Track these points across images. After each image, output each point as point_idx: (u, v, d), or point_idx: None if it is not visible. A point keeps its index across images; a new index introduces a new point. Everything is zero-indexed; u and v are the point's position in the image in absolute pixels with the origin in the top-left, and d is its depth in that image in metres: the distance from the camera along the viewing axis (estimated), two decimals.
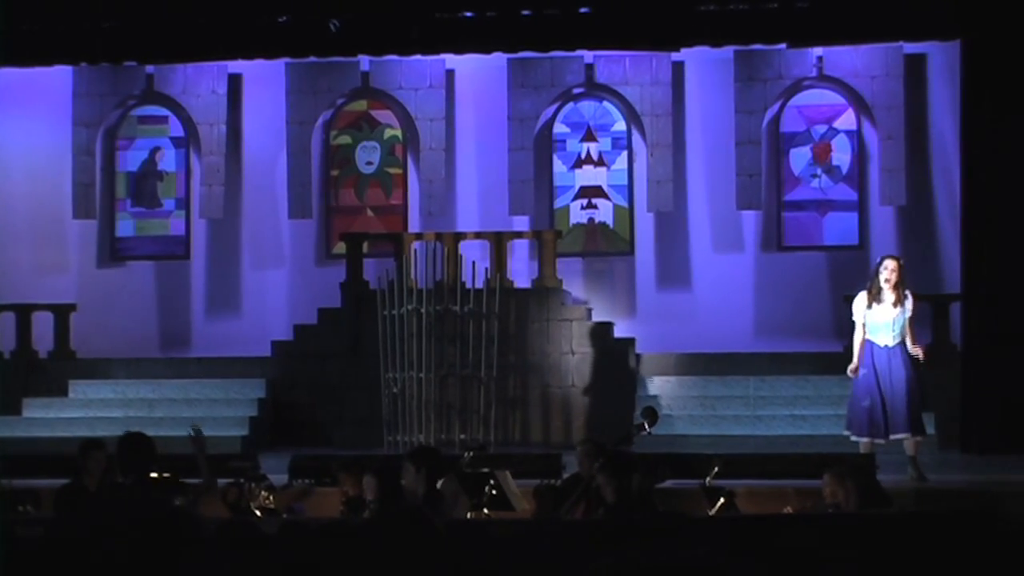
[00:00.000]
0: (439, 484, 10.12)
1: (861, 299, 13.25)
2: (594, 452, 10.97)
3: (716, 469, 11.07)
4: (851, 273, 18.20)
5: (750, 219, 18.61)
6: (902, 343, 13.11)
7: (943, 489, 12.53)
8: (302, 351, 17.71)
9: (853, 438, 13.23)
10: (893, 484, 11.96)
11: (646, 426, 11.88)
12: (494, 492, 10.75)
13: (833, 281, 18.30)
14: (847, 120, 18.60)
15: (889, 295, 13.08)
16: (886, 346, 13.08)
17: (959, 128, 16.68)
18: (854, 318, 13.31)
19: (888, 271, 13.12)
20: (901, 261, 13.33)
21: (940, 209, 18.11)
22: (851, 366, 13.28)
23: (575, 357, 17.41)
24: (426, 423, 16.82)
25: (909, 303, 13.16)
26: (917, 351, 13.11)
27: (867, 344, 13.15)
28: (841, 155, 18.64)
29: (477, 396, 16.95)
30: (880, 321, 13.09)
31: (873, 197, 18.38)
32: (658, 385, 17.19)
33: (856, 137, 18.58)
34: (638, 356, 17.53)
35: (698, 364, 17.52)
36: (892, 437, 13.07)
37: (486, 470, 11.12)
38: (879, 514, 8.86)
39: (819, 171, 18.67)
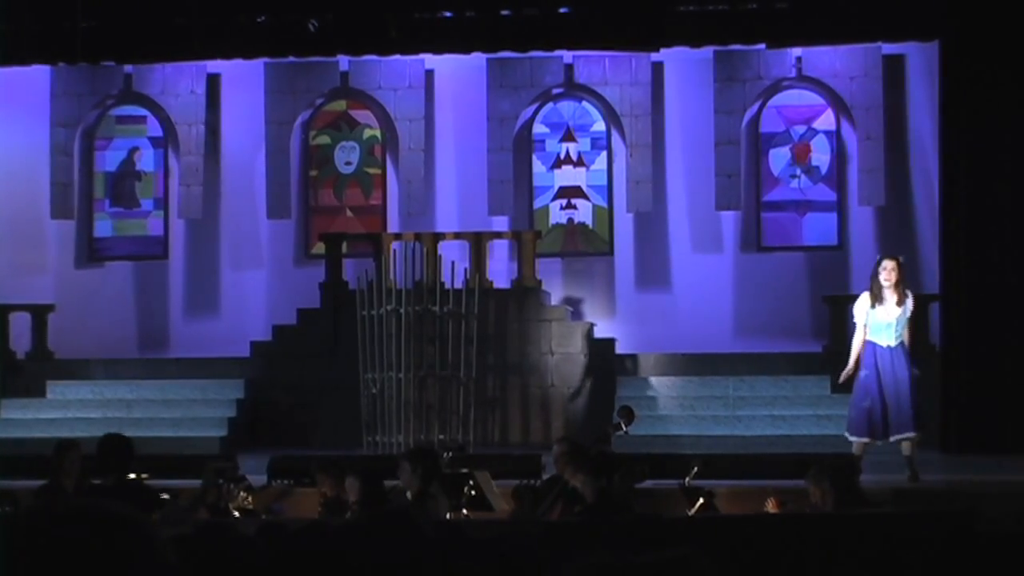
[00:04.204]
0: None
1: (863, 300, 13.21)
2: (570, 452, 10.99)
3: (695, 469, 11.08)
4: (830, 273, 18.27)
5: (729, 219, 18.65)
6: (903, 343, 13.13)
7: (921, 490, 12.56)
8: (281, 352, 17.70)
9: (850, 438, 13.24)
10: (875, 484, 11.98)
11: (623, 425, 11.92)
12: (473, 493, 10.76)
13: (812, 281, 18.35)
14: (826, 120, 18.65)
15: (891, 295, 13.07)
16: (888, 346, 13.05)
17: (937, 128, 16.74)
18: (855, 319, 13.26)
19: (887, 271, 13.09)
20: (900, 260, 13.32)
21: (919, 209, 18.17)
22: (846, 369, 13.24)
23: (554, 358, 17.43)
24: (405, 424, 16.82)
25: (910, 302, 13.17)
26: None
27: (868, 345, 13.09)
28: (820, 155, 18.69)
29: (456, 397, 16.96)
30: (883, 321, 13.06)
31: (852, 197, 18.44)
32: (638, 385, 17.21)
33: (835, 137, 18.63)
34: (618, 357, 17.55)
35: (677, 364, 17.56)
36: (893, 438, 13.05)
37: (465, 471, 11.14)
38: (855, 515, 8.88)
39: (798, 171, 18.71)
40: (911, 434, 13.00)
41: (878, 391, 13.01)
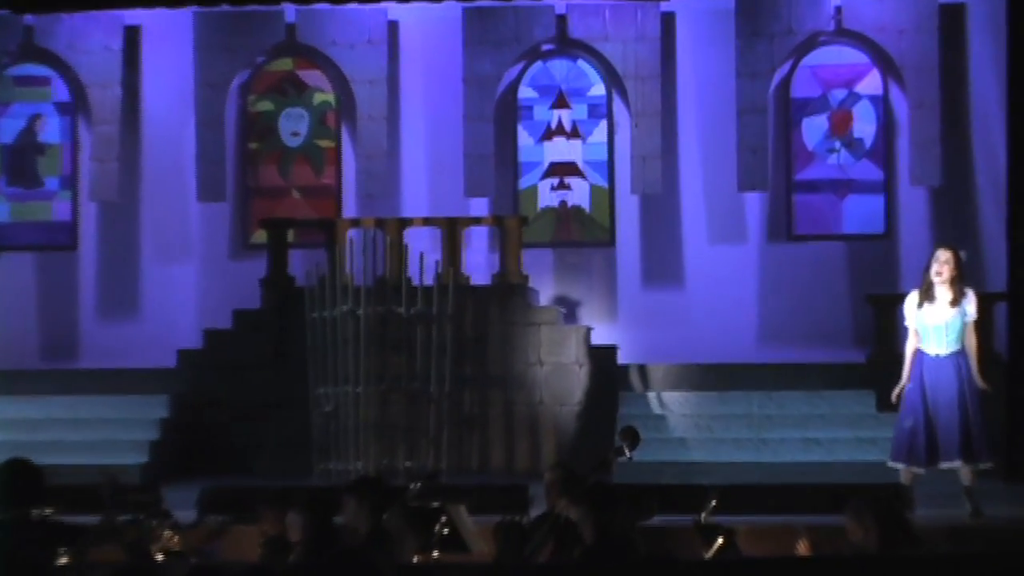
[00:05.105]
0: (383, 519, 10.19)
1: (912, 299, 13.23)
2: (564, 481, 11.03)
3: (713, 503, 11.13)
4: (875, 268, 18.34)
5: (754, 203, 18.72)
6: (960, 352, 13.13)
7: (983, 527, 12.63)
8: (214, 361, 17.71)
9: (890, 464, 13.30)
10: (929, 520, 12.05)
11: (626, 450, 11.95)
12: (446, 531, 10.81)
13: (853, 277, 18.42)
14: (871, 83, 18.73)
15: (944, 293, 13.09)
16: (938, 355, 13.09)
17: (1005, 94, 16.80)
18: (906, 323, 13.32)
19: (940, 263, 13.11)
20: (959, 252, 13.33)
21: (982, 191, 18.25)
22: (899, 384, 13.27)
23: (544, 368, 17.48)
24: (365, 447, 16.87)
25: (970, 303, 13.14)
26: (983, 384, 13.14)
27: (917, 354, 13.16)
28: (864, 126, 18.77)
29: (426, 415, 17.00)
30: (931, 324, 13.07)
31: (902, 176, 18.51)
32: (644, 402, 17.27)
33: (882, 104, 18.71)
34: (620, 367, 17.60)
35: (692, 377, 17.60)
36: (942, 465, 13.10)
37: (437, 504, 11.18)
38: (904, 557, 8.96)
39: (837, 145, 18.79)
40: (957, 463, 13.03)
41: (923, 409, 13.05)
